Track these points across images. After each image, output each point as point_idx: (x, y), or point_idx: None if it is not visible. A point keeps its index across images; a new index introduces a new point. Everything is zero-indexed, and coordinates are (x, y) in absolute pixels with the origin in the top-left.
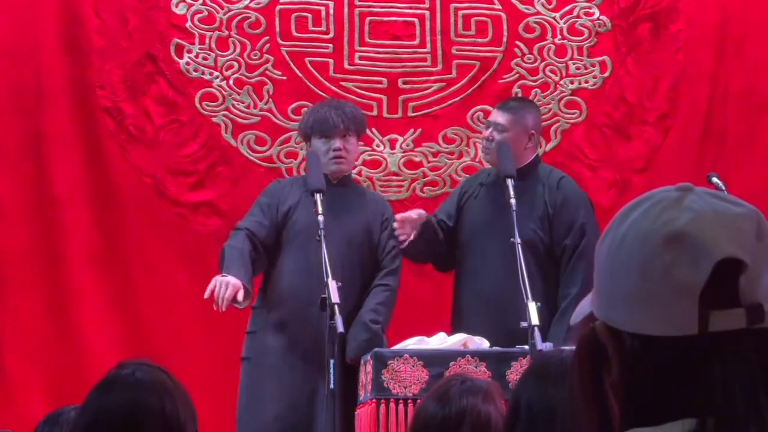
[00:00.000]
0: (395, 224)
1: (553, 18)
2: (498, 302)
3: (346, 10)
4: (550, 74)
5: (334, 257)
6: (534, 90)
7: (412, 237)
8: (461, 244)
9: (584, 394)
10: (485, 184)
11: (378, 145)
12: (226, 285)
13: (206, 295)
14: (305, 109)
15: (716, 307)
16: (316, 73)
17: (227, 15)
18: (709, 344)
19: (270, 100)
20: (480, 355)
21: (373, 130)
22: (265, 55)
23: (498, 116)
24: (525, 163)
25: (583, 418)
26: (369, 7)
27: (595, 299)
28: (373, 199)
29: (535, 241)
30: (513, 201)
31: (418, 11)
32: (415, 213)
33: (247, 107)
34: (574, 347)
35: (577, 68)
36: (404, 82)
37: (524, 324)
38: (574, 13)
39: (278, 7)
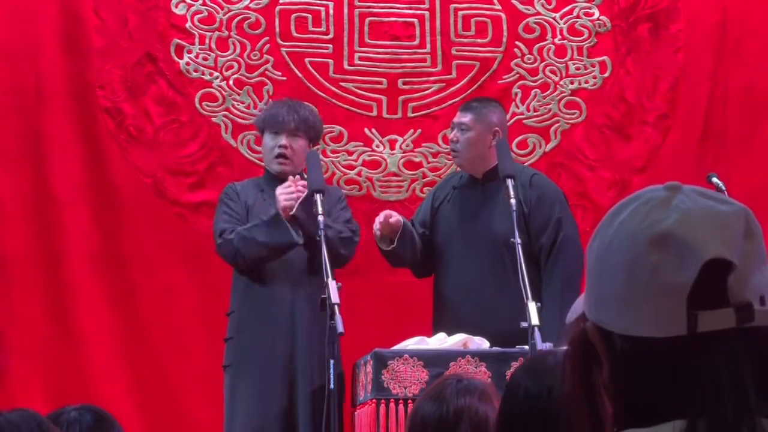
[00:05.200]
0: (377, 226)
1: (553, 18)
2: (478, 303)
3: (346, 10)
4: (550, 74)
5: (296, 254)
6: (534, 90)
7: (394, 244)
8: (439, 248)
9: (576, 394)
10: (458, 187)
11: (378, 146)
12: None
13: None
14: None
15: (705, 307)
16: (316, 74)
17: (227, 15)
18: (698, 345)
19: (270, 100)
20: (480, 356)
21: (373, 130)
22: (265, 56)
23: (461, 116)
24: (496, 163)
25: (577, 418)
26: (369, 7)
27: (586, 299)
28: (327, 191)
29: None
30: (513, 201)
31: (418, 12)
32: (394, 218)
33: (247, 107)
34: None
35: (577, 68)
36: (404, 83)
37: (524, 324)
38: (574, 14)
39: (278, 8)
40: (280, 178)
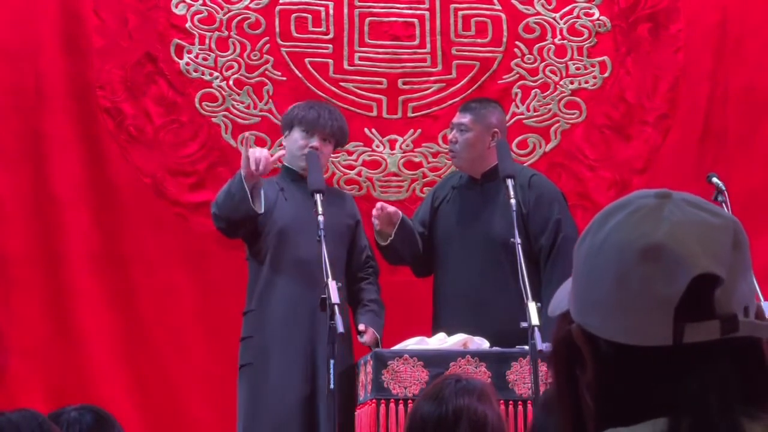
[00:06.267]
0: (374, 212)
1: (553, 18)
2: (477, 303)
3: (346, 10)
4: (550, 74)
5: (311, 253)
6: (534, 90)
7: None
8: (438, 248)
9: (560, 394)
10: (457, 187)
11: (378, 146)
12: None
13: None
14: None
15: (691, 319)
16: (316, 74)
17: (227, 15)
18: (683, 354)
19: (270, 100)
20: (480, 356)
21: (373, 130)
22: (265, 56)
23: (460, 117)
24: (494, 164)
25: (561, 417)
26: (369, 7)
27: (572, 300)
28: (348, 196)
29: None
30: (513, 201)
31: (418, 12)
32: (392, 208)
33: (247, 108)
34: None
35: (577, 68)
36: (404, 83)
37: (524, 324)
38: (574, 14)
39: (278, 8)
40: (302, 176)
